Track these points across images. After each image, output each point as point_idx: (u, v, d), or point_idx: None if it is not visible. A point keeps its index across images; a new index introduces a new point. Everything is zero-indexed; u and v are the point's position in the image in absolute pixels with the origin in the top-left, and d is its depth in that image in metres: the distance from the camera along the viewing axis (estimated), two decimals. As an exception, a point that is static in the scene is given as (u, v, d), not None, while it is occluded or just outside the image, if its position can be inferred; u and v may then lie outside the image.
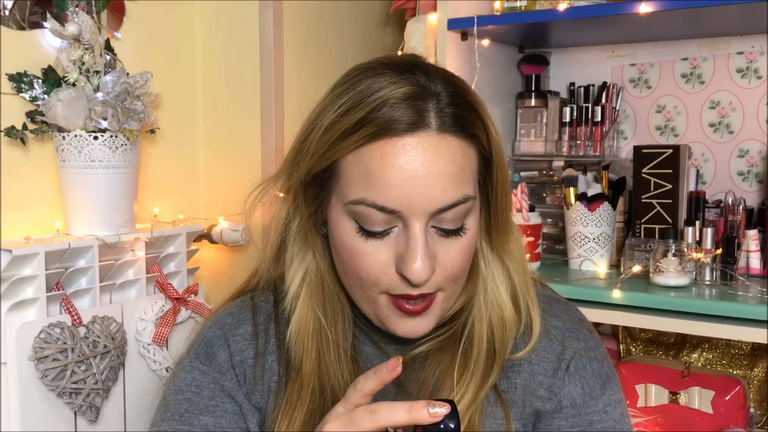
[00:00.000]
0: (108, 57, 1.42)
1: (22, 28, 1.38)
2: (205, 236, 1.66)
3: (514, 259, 0.80)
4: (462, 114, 0.70)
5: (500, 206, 0.76)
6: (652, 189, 1.46)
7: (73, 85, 1.35)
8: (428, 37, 1.61)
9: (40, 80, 1.37)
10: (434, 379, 0.76)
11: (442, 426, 0.61)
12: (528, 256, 1.50)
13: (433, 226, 0.71)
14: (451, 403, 0.62)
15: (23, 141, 1.36)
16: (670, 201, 1.44)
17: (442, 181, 0.68)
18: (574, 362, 0.80)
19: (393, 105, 0.68)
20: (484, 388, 0.76)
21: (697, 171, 1.60)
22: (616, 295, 1.29)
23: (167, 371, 1.45)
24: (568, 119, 1.65)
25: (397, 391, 0.77)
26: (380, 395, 0.78)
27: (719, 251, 1.36)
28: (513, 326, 0.79)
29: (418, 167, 0.67)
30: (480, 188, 0.74)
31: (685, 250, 1.34)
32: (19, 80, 1.35)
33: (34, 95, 1.36)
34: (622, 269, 1.44)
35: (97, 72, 1.37)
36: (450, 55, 1.52)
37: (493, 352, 0.78)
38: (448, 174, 0.69)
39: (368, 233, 0.70)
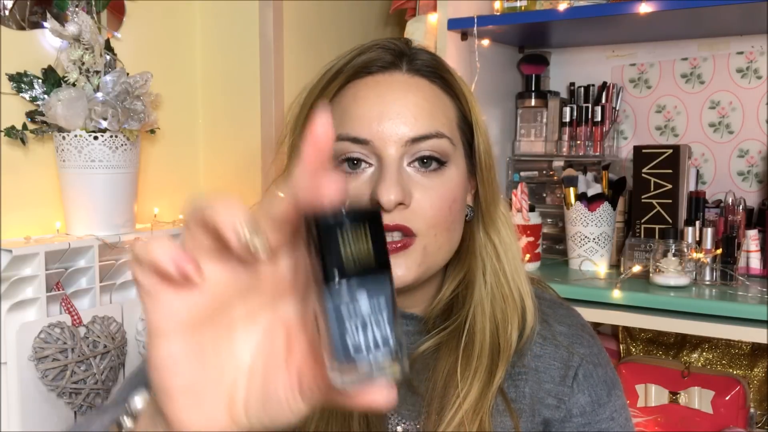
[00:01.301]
0: (108, 57, 1.42)
1: (22, 28, 1.38)
2: (205, 236, 1.66)
3: (504, 242, 0.79)
4: (433, 64, 0.75)
5: (485, 172, 0.77)
6: (652, 189, 1.46)
7: (73, 85, 1.35)
8: (428, 37, 1.61)
9: (40, 80, 1.37)
10: (443, 378, 0.76)
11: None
12: (528, 256, 1.50)
13: (409, 164, 0.72)
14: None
15: (23, 141, 1.36)
16: (670, 201, 1.44)
17: (414, 111, 0.71)
18: (581, 369, 0.79)
19: (368, 52, 0.74)
20: (492, 386, 0.74)
21: (697, 171, 1.60)
22: (616, 295, 1.29)
23: (167, 371, 1.45)
24: (568, 119, 1.65)
25: (406, 391, 0.77)
26: None
27: (719, 251, 1.36)
28: (515, 317, 0.78)
29: (388, 99, 0.71)
30: (465, 153, 0.76)
31: (685, 250, 1.34)
32: (19, 80, 1.35)
33: (34, 95, 1.36)
34: (622, 269, 1.44)
35: (97, 72, 1.37)
36: (450, 55, 1.52)
37: (497, 346, 0.77)
38: (420, 106, 0.72)
39: (341, 165, 0.72)
